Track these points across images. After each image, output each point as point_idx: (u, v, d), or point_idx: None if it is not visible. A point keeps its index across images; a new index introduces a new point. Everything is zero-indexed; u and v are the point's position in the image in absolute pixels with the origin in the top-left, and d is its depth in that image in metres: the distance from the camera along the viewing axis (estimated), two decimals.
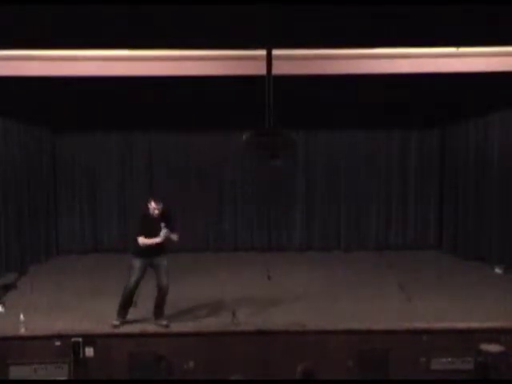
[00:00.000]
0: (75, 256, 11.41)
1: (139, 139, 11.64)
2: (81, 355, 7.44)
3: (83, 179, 11.62)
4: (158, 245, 7.83)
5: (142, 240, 7.79)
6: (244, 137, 6.55)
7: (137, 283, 7.88)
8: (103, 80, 8.82)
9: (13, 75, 8.63)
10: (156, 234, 7.78)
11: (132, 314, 8.14)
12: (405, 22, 5.43)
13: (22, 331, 7.60)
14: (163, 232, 7.74)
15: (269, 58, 6.41)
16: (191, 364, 7.59)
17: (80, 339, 7.46)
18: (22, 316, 7.69)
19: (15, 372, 7.44)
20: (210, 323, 7.93)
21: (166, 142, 11.61)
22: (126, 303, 7.95)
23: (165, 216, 7.86)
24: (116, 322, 7.84)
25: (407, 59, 8.69)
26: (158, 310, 7.95)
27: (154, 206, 7.83)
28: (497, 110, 10.35)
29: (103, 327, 7.75)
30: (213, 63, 8.63)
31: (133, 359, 7.50)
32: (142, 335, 7.64)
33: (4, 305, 8.45)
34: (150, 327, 7.79)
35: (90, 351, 7.47)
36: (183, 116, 10.89)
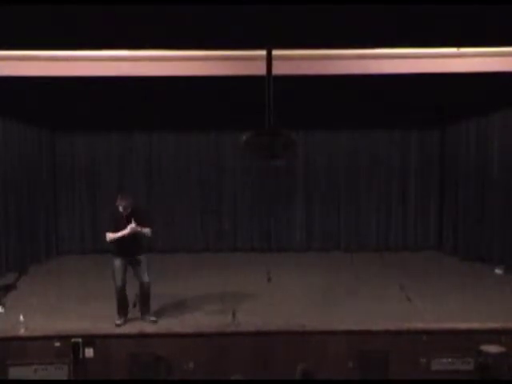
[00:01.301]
0: (75, 256, 11.41)
1: (139, 139, 11.64)
2: (80, 356, 7.43)
3: (83, 179, 11.63)
4: (134, 244, 7.86)
5: (108, 236, 7.83)
6: (244, 137, 6.54)
7: (123, 282, 7.95)
8: (103, 80, 8.81)
9: (13, 75, 8.62)
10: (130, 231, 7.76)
11: (131, 314, 8.14)
12: (405, 22, 5.42)
13: (22, 332, 7.59)
14: (130, 226, 7.70)
15: (269, 58, 6.40)
16: (191, 364, 7.58)
17: (80, 340, 7.45)
18: (21, 317, 7.69)
19: (15, 373, 7.42)
20: (210, 323, 7.92)
21: (166, 143, 11.61)
22: (122, 304, 8.01)
23: (135, 213, 7.81)
24: (118, 322, 7.90)
25: (407, 59, 8.68)
26: (144, 307, 8.03)
27: (118, 202, 7.80)
28: (497, 110, 10.34)
29: (103, 328, 7.74)
30: (213, 63, 8.62)
31: (132, 360, 7.49)
32: (142, 336, 7.63)
33: (4, 305, 8.44)
34: (150, 328, 7.78)
35: (89, 352, 7.46)
36: (183, 116, 10.88)
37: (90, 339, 7.49)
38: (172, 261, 10.37)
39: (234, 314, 7.87)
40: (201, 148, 11.63)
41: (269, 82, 6.42)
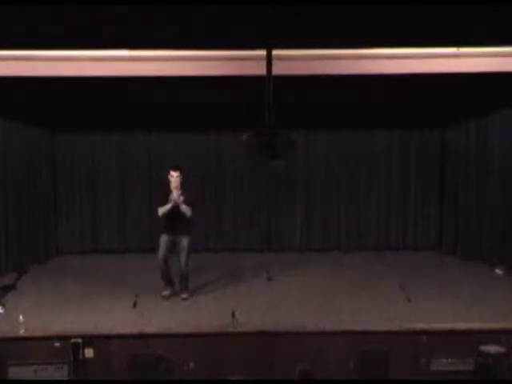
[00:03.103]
0: (75, 256, 11.40)
1: (139, 139, 11.62)
2: (80, 356, 7.42)
3: (83, 179, 11.61)
4: (179, 223, 8.61)
5: (159, 210, 8.70)
6: (244, 137, 6.53)
7: (164, 258, 8.72)
8: (103, 80, 8.81)
9: (13, 75, 8.62)
10: (174, 208, 8.56)
11: (132, 314, 8.16)
12: (405, 22, 5.42)
13: (22, 332, 7.59)
14: (173, 197, 8.52)
15: (269, 58, 6.40)
16: (191, 364, 7.57)
17: (80, 340, 7.44)
18: (21, 317, 7.68)
19: (15, 373, 7.42)
20: (210, 323, 7.92)
21: (166, 142, 11.59)
22: (165, 276, 8.82)
23: (182, 192, 8.62)
24: (164, 293, 8.76)
25: (407, 59, 8.69)
26: (181, 284, 8.85)
27: (170, 174, 8.66)
28: (497, 111, 10.33)
29: (103, 328, 7.73)
30: (213, 63, 8.62)
31: (132, 360, 7.48)
32: (142, 336, 7.63)
33: (4, 305, 8.43)
34: (150, 328, 7.78)
35: (89, 352, 7.45)
36: (183, 116, 10.88)
37: (89, 339, 7.48)
38: (172, 261, 10.32)
39: (233, 314, 7.87)
40: (201, 148, 11.61)
41: (269, 81, 6.41)
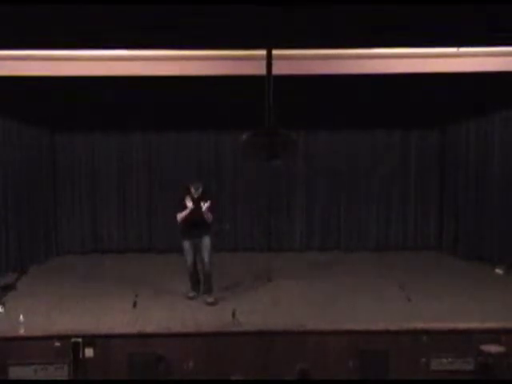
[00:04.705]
0: (75, 256, 11.40)
1: (139, 139, 11.63)
2: (80, 356, 7.42)
3: (83, 179, 11.62)
4: (199, 227, 8.69)
5: (179, 216, 8.71)
6: (244, 137, 6.54)
7: (194, 261, 8.86)
8: (103, 80, 8.82)
9: (13, 75, 8.63)
10: (195, 212, 8.63)
11: (132, 314, 8.16)
12: (405, 22, 5.42)
13: (22, 332, 7.59)
14: (205, 206, 8.56)
15: (269, 58, 6.40)
16: (191, 364, 7.58)
17: (80, 340, 7.44)
18: (21, 316, 7.68)
19: (15, 373, 7.42)
20: (210, 323, 7.92)
21: (166, 142, 11.60)
22: (193, 280, 8.92)
23: (202, 198, 8.69)
24: (190, 294, 8.85)
25: (407, 59, 8.69)
26: (205, 286, 8.84)
27: (193, 185, 8.78)
28: (497, 110, 10.34)
29: (103, 328, 7.74)
30: (213, 63, 8.63)
31: (132, 359, 7.49)
32: (142, 335, 7.63)
33: (4, 305, 8.43)
34: (150, 327, 7.78)
35: (89, 352, 7.45)
36: (183, 116, 10.88)
37: (90, 339, 7.48)
38: (172, 261, 10.35)
39: (233, 314, 7.87)
40: (200, 148, 11.61)
41: (269, 82, 6.42)
